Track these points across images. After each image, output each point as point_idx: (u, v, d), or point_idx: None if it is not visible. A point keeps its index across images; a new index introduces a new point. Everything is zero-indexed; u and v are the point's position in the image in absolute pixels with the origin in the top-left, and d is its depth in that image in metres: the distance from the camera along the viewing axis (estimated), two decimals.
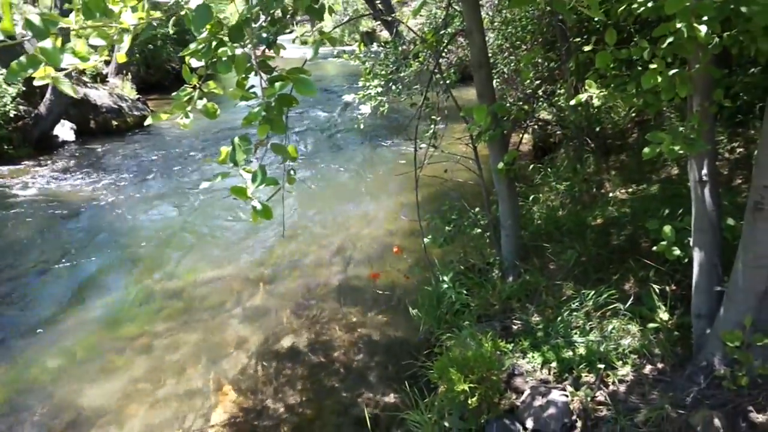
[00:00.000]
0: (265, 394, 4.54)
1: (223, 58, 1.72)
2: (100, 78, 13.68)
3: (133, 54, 15.02)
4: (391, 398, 4.17)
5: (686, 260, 3.00)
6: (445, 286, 4.04)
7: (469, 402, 2.82)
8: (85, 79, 12.78)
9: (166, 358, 5.07)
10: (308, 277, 6.03)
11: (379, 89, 6.57)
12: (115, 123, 11.79)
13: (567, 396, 3.00)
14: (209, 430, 4.27)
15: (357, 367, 4.66)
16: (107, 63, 14.31)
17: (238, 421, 4.31)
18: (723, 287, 2.70)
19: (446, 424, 3.06)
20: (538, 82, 6.40)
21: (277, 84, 1.77)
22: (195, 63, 1.75)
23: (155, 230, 7.46)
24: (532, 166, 6.84)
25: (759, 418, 2.50)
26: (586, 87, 2.46)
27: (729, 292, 2.62)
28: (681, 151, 2.07)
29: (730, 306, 2.62)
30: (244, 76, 1.89)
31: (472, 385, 2.77)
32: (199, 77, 1.87)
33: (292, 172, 1.94)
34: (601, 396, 2.98)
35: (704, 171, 2.64)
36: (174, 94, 1.82)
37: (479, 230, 4.58)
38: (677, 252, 2.94)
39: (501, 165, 3.92)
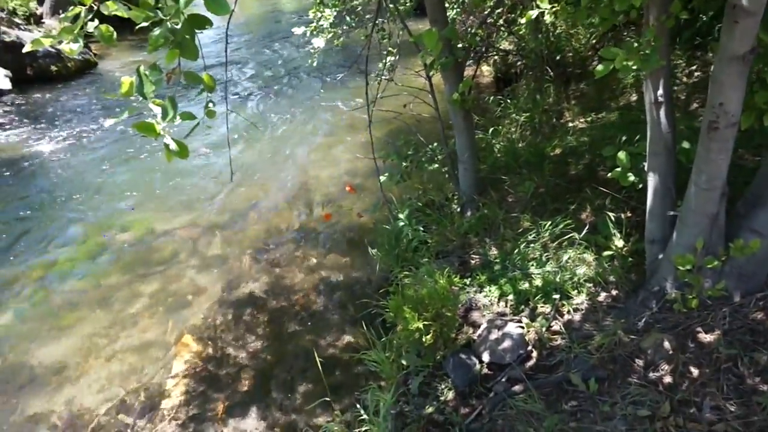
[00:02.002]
0: (226, 342, 4.46)
1: None
2: (34, 19, 12.62)
3: None
4: (351, 339, 4.14)
5: (641, 186, 2.94)
6: (402, 223, 3.93)
7: (424, 339, 2.78)
8: (17, 20, 11.77)
9: (122, 312, 4.91)
10: (266, 222, 5.85)
11: (331, 20, 6.19)
12: (54, 69, 10.97)
13: (522, 328, 2.98)
14: (169, 380, 4.19)
15: (317, 309, 4.60)
16: (41, 2, 13.20)
17: (199, 369, 4.24)
18: (676, 211, 2.65)
19: (404, 362, 3.03)
20: (498, 10, 6.12)
21: (182, 0, 1.54)
22: None
23: (103, 182, 7.09)
24: (492, 98, 6.67)
25: (707, 338, 2.52)
26: (538, 3, 2.28)
27: (681, 215, 2.58)
28: (635, 67, 1.93)
29: (682, 230, 2.58)
30: None
31: (426, 322, 2.71)
32: None
33: (211, 104, 1.73)
34: (556, 326, 2.98)
35: (660, 92, 2.53)
36: (62, 22, 1.57)
37: (437, 165, 4.44)
38: (632, 178, 2.87)
39: (455, 95, 3.74)
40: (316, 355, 3.32)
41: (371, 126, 4.38)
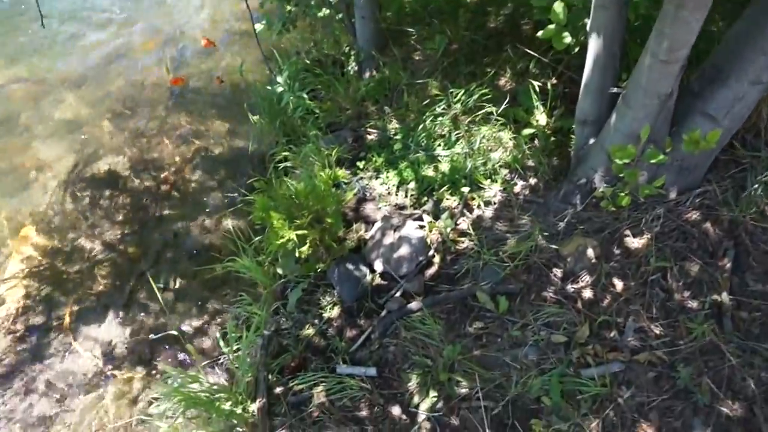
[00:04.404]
0: (78, 232, 3.67)
1: None
2: None
3: None
4: (231, 225, 3.48)
5: (577, 50, 2.30)
6: (281, 88, 3.10)
7: (299, 252, 2.18)
8: None
9: None
10: (127, 79, 4.70)
11: None
12: None
13: (423, 227, 2.45)
14: (2, 285, 3.43)
15: (191, 189, 3.83)
16: None
17: (43, 268, 3.49)
18: (620, 88, 2.07)
19: (279, 270, 2.46)
20: None
21: None
22: None
23: None
24: None
25: (635, 243, 2.13)
26: None
27: (627, 93, 2.00)
28: None
29: (625, 112, 2.03)
30: None
31: (301, 232, 2.09)
32: None
33: None
34: (463, 223, 2.47)
35: None
36: None
37: (329, 12, 3.50)
38: (568, 39, 2.21)
39: None
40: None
41: None
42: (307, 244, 2.15)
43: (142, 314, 3.22)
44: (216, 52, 4.73)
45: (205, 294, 3.18)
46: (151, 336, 3.03)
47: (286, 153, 2.99)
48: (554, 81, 2.92)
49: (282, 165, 3.02)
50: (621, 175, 2.00)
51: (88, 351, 3.10)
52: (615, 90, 2.06)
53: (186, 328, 3.03)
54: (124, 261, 3.49)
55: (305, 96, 3.08)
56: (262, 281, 2.56)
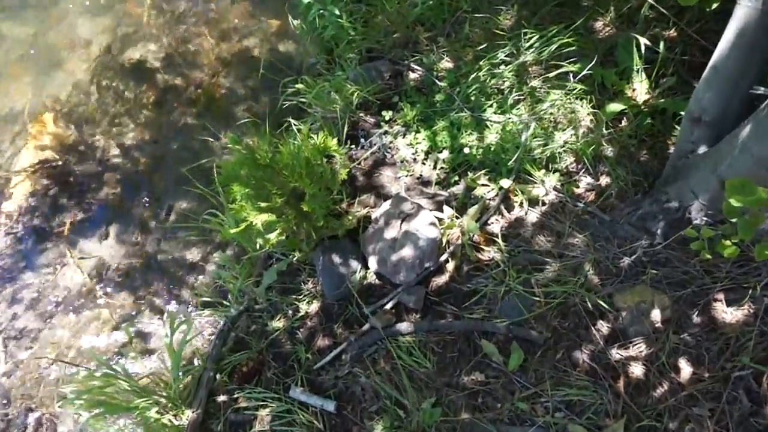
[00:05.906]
0: (96, 128, 3.38)
1: None
2: None
3: None
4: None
5: (715, 5, 1.50)
6: (306, 0, 2.43)
7: (266, 240, 1.70)
8: None
9: None
10: None
11: None
12: None
13: (440, 224, 1.87)
14: (14, 177, 3.25)
15: (221, 95, 3.38)
16: None
17: (54, 164, 3.27)
18: (767, 89, 1.31)
19: (259, 241, 2.00)
20: None
21: None
22: None
23: None
24: None
25: (727, 315, 1.46)
26: None
27: None
28: None
29: (764, 128, 1.29)
30: None
31: (266, 217, 1.59)
32: None
33: None
34: (495, 225, 1.86)
35: None
36: None
37: None
38: None
39: None
40: None
41: None
42: (277, 232, 1.66)
43: (141, 236, 2.95)
44: None
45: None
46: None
47: (302, 84, 2.40)
48: (673, 33, 2.08)
49: (288, 103, 2.45)
50: (733, 220, 1.32)
51: (81, 267, 2.89)
52: (761, 90, 1.30)
53: (189, 256, 2.74)
54: (135, 172, 3.18)
55: (336, 12, 2.40)
56: (245, 245, 2.14)
